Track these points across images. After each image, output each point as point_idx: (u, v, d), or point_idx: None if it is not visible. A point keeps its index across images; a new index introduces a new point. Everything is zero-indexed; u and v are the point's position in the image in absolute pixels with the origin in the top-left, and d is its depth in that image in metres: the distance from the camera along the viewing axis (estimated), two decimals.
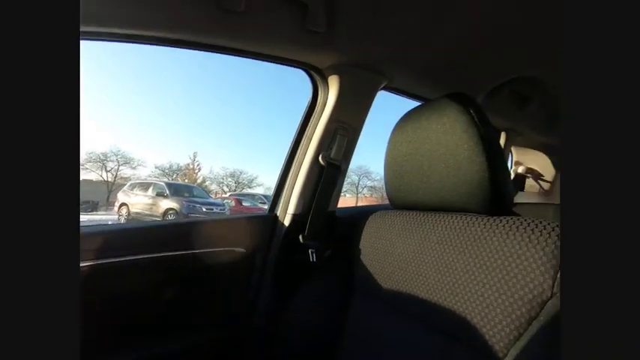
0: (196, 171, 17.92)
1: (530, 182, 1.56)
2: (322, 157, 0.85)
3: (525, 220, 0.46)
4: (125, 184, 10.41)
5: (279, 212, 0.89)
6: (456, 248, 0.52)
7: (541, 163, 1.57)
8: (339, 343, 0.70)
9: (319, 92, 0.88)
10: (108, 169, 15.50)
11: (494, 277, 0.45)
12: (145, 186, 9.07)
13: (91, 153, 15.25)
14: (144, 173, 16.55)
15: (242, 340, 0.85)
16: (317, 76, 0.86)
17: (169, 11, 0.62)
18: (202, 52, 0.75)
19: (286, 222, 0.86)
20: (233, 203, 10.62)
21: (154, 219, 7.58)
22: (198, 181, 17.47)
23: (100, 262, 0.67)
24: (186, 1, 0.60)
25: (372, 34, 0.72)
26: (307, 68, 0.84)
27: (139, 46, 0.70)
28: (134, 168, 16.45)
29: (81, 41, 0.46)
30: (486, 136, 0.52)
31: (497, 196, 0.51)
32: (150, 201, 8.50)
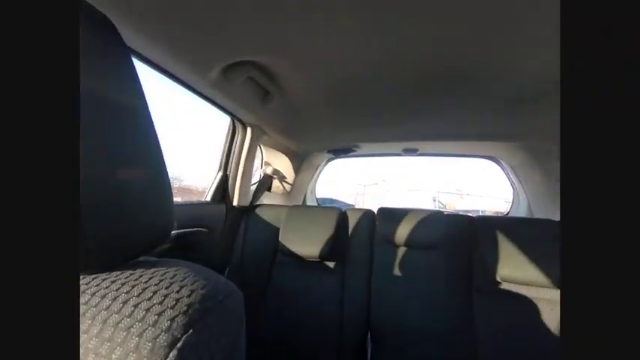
0: None
1: (276, 183, 1.55)
2: None
3: (149, 281, 0.24)
4: None
5: None
6: None
7: (285, 165, 1.55)
8: None
9: None
10: None
11: None
12: None
13: None
14: None
15: None
16: None
17: None
18: None
19: None
20: None
21: None
22: None
23: None
24: None
25: None
26: None
27: None
28: None
29: None
30: (112, 101, 0.26)
31: (111, 228, 0.26)
32: None
